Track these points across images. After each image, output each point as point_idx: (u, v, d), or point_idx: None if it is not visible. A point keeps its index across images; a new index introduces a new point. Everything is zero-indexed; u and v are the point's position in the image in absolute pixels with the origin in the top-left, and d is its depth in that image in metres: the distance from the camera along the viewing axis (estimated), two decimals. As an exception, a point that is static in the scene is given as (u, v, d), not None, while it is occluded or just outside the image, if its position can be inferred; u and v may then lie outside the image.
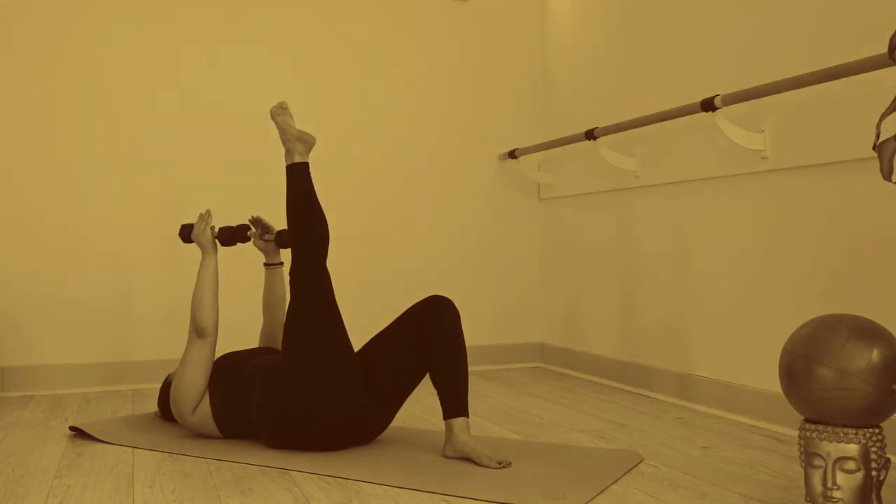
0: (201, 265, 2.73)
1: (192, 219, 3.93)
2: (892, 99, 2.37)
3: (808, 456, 1.77)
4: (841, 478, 1.73)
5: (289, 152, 2.62)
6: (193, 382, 2.63)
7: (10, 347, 3.73)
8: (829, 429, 1.75)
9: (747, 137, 2.84)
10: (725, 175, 3.04)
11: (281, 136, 2.65)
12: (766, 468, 2.30)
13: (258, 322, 3.91)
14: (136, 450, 2.61)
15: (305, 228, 2.54)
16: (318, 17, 4.14)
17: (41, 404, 3.43)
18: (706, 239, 3.17)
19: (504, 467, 2.30)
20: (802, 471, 2.11)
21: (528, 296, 4.42)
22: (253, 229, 2.96)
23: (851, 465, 1.72)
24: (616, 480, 2.20)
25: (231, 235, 2.88)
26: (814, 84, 2.47)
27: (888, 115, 1.65)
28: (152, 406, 3.33)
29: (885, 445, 1.75)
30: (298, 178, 2.58)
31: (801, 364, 1.76)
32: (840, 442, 1.73)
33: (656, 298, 3.47)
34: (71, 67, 3.82)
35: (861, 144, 2.49)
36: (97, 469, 2.39)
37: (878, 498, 1.75)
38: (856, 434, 1.72)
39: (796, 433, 2.69)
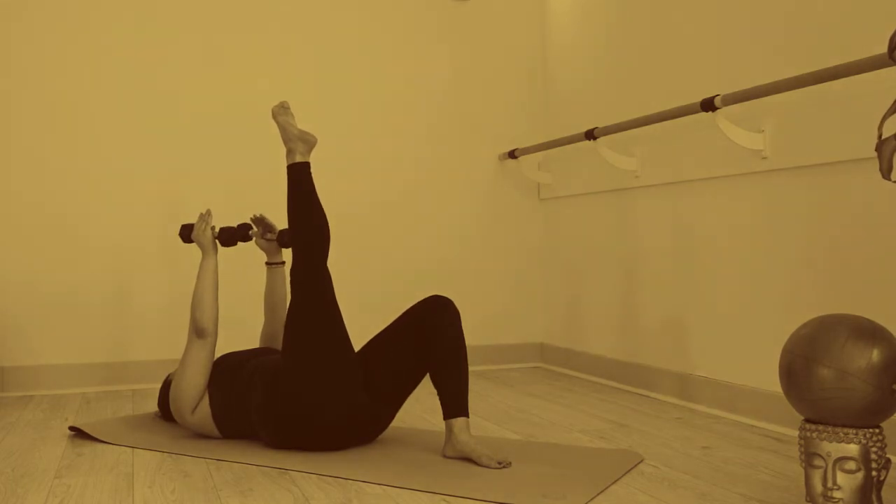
0: (201, 265, 2.73)
1: (192, 219, 3.93)
2: (892, 100, 2.37)
3: (809, 456, 1.77)
4: (841, 478, 1.73)
5: (290, 152, 2.62)
6: (193, 382, 2.63)
7: (10, 347, 3.73)
8: (830, 429, 1.75)
9: (747, 137, 2.85)
10: (725, 175, 3.04)
11: (282, 136, 2.65)
12: (766, 468, 2.30)
13: (259, 322, 3.91)
14: (135, 450, 2.61)
15: (306, 228, 2.54)
16: (319, 17, 4.14)
17: (41, 404, 3.43)
18: (706, 239, 3.17)
19: (504, 467, 2.30)
20: (802, 471, 2.11)
21: (528, 296, 4.42)
22: (255, 228, 2.96)
23: (852, 465, 1.72)
24: (616, 480, 2.20)
25: (232, 235, 2.88)
26: (814, 84, 2.47)
27: (889, 116, 1.65)
28: (152, 406, 3.33)
29: (886, 445, 1.75)
30: (299, 178, 2.58)
31: (801, 364, 1.76)
32: (840, 442, 1.73)
33: (656, 298, 3.47)
34: (71, 67, 3.82)
35: (861, 144, 2.49)
36: (97, 469, 2.39)
37: (879, 498, 1.75)
38: (856, 434, 1.72)
39: (796, 433, 2.70)
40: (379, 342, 2.58)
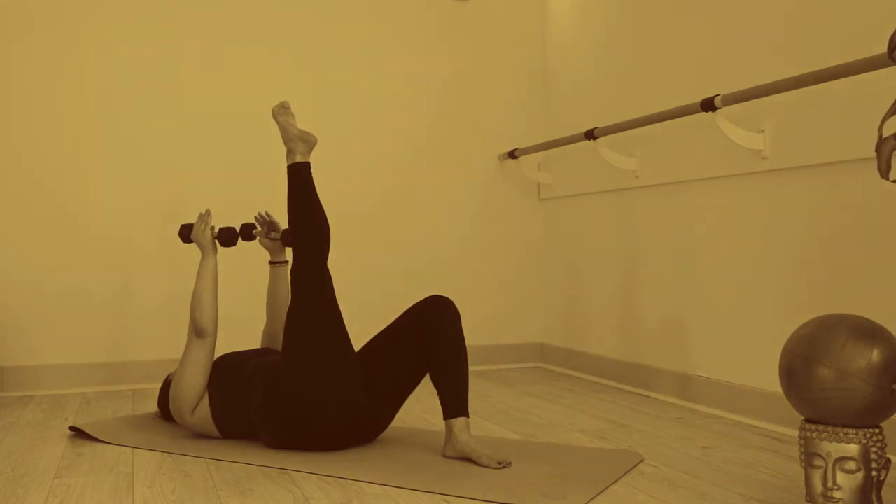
0: (201, 265, 2.73)
1: (192, 219, 3.93)
2: (892, 100, 2.37)
3: (809, 456, 1.77)
4: (841, 478, 1.73)
5: (290, 152, 2.62)
6: (193, 383, 2.63)
7: (10, 347, 3.73)
8: (830, 429, 1.75)
9: (747, 137, 2.85)
10: (725, 175, 3.04)
11: (282, 136, 2.65)
12: (766, 468, 2.30)
13: (260, 322, 3.91)
14: (135, 450, 2.61)
15: (306, 228, 2.54)
16: (319, 17, 4.14)
17: (41, 404, 3.43)
18: (706, 239, 3.17)
19: (504, 467, 2.30)
20: (802, 471, 2.11)
21: (528, 296, 4.42)
22: (259, 227, 2.96)
23: (851, 465, 1.72)
24: (616, 480, 2.20)
25: (232, 236, 2.88)
26: (814, 84, 2.47)
27: (889, 116, 1.65)
28: (152, 406, 3.33)
29: (886, 445, 1.75)
30: (300, 178, 2.58)
31: (801, 364, 1.76)
32: (840, 442, 1.73)
33: (656, 298, 3.47)
34: (71, 67, 3.82)
35: (861, 144, 2.49)
36: (97, 469, 2.38)
37: (879, 498, 1.75)
38: (856, 434, 1.72)
39: (796, 433, 2.69)
40: (379, 342, 2.58)
